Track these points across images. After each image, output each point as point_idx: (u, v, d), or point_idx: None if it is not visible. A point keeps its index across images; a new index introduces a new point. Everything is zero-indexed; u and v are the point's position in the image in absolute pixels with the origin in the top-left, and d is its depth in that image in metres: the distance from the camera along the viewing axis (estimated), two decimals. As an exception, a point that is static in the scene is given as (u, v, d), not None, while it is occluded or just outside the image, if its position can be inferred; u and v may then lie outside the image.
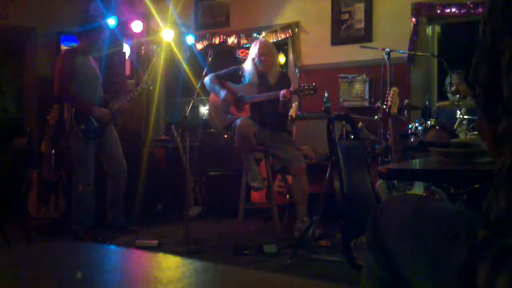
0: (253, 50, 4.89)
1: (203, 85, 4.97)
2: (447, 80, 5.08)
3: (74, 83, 4.74)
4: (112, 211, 4.96)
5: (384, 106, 4.35)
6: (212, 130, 5.84)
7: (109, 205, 4.98)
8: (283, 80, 4.90)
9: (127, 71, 6.49)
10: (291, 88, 4.58)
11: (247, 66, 4.91)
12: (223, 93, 4.84)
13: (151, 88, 5.21)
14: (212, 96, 5.03)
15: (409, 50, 5.42)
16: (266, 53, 4.82)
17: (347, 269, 2.75)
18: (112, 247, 4.43)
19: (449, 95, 5.06)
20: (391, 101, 4.13)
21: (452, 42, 5.97)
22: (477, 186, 3.54)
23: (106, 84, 5.23)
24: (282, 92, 4.52)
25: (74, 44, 5.14)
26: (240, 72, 4.96)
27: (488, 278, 1.02)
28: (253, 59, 4.85)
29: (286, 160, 4.67)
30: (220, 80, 4.97)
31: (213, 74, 4.99)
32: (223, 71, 5.04)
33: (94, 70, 4.91)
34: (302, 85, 4.65)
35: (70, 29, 6.43)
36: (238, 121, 4.62)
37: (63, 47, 6.29)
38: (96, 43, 4.94)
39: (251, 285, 1.15)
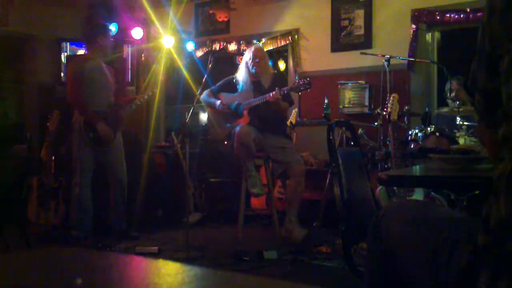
0: (247, 55, 4.94)
1: (203, 91, 5.01)
2: (447, 87, 5.09)
3: (83, 89, 4.77)
4: (112, 216, 4.97)
5: (384, 113, 4.36)
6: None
7: (109, 210, 4.99)
8: (277, 80, 4.97)
9: (128, 78, 6.52)
10: (287, 86, 4.62)
11: (240, 74, 4.97)
12: (218, 102, 4.92)
13: (149, 95, 5.21)
14: None
15: (409, 56, 5.43)
16: (260, 56, 4.88)
17: (347, 276, 2.75)
18: (112, 253, 4.44)
19: (449, 101, 5.07)
20: (391, 108, 4.14)
21: (451, 48, 5.97)
22: (477, 192, 3.54)
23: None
24: (271, 94, 4.56)
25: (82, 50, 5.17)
26: (234, 81, 5.01)
27: (489, 284, 1.02)
28: (246, 63, 4.90)
29: (286, 162, 4.67)
30: (215, 94, 5.04)
31: (207, 89, 5.06)
32: (217, 84, 5.11)
33: (105, 77, 4.94)
34: (297, 81, 4.68)
35: (71, 35, 6.47)
36: (237, 128, 4.64)
37: (73, 51, 6.35)
38: (105, 48, 4.96)
39: (251, 291, 1.16)
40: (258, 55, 4.87)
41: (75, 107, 4.89)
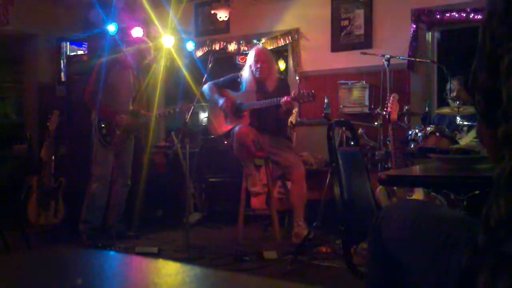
0: (250, 57, 4.90)
1: (202, 90, 4.99)
2: (448, 86, 5.08)
3: (104, 92, 4.83)
4: (111, 217, 4.98)
5: (384, 113, 4.36)
6: (212, 136, 5.84)
7: (110, 211, 5.00)
8: (282, 86, 4.91)
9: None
10: (292, 94, 4.58)
11: (245, 74, 4.93)
12: (221, 101, 4.86)
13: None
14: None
15: (409, 56, 5.43)
16: (263, 60, 4.82)
17: (347, 276, 2.74)
18: (112, 253, 4.42)
19: (450, 101, 5.07)
20: (391, 108, 4.13)
21: (451, 48, 5.97)
22: (477, 192, 3.54)
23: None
24: (284, 99, 4.51)
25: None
26: (238, 80, 4.97)
27: (489, 284, 1.02)
28: (250, 66, 4.86)
29: (285, 166, 4.66)
30: (219, 88, 4.99)
31: (211, 82, 5.01)
32: (222, 79, 5.06)
33: (128, 85, 5.01)
34: (301, 92, 4.63)
35: (71, 35, 6.46)
36: (237, 129, 4.62)
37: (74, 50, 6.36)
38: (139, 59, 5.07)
39: (251, 291, 1.15)
40: (260, 59, 4.82)
41: (90, 104, 4.95)
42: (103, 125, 4.85)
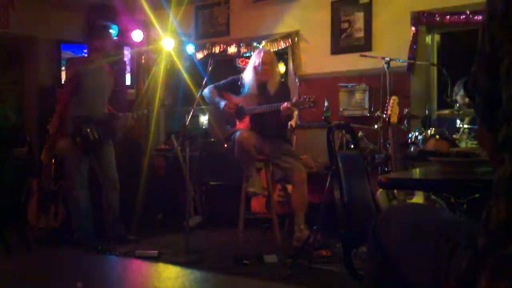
0: (255, 59, 4.89)
1: (203, 94, 4.99)
2: (449, 89, 5.08)
3: (76, 93, 4.74)
4: (108, 222, 4.95)
5: (384, 115, 4.36)
6: (212, 139, 5.84)
7: (104, 216, 4.97)
8: (283, 90, 4.90)
9: (127, 81, 6.52)
10: (293, 100, 4.59)
11: (247, 76, 4.92)
12: (222, 103, 4.85)
13: (144, 113, 5.26)
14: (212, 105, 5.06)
15: (409, 59, 5.43)
16: (269, 62, 4.83)
17: (347, 279, 2.74)
18: (112, 257, 4.43)
19: (455, 104, 5.05)
20: (391, 110, 4.13)
21: (451, 50, 5.97)
22: (477, 195, 3.54)
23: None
24: (284, 105, 4.51)
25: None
26: (239, 83, 4.97)
27: (489, 286, 1.02)
28: (255, 68, 4.85)
29: (287, 170, 4.66)
30: (220, 91, 4.99)
31: (212, 85, 5.01)
32: (222, 82, 5.06)
33: (102, 83, 4.90)
34: (302, 97, 4.61)
35: (71, 37, 6.47)
36: (238, 133, 4.62)
37: (74, 53, 6.36)
38: (106, 49, 4.93)
39: (251, 295, 1.16)
40: (266, 61, 4.82)
41: (57, 109, 4.83)
42: (79, 133, 4.73)
